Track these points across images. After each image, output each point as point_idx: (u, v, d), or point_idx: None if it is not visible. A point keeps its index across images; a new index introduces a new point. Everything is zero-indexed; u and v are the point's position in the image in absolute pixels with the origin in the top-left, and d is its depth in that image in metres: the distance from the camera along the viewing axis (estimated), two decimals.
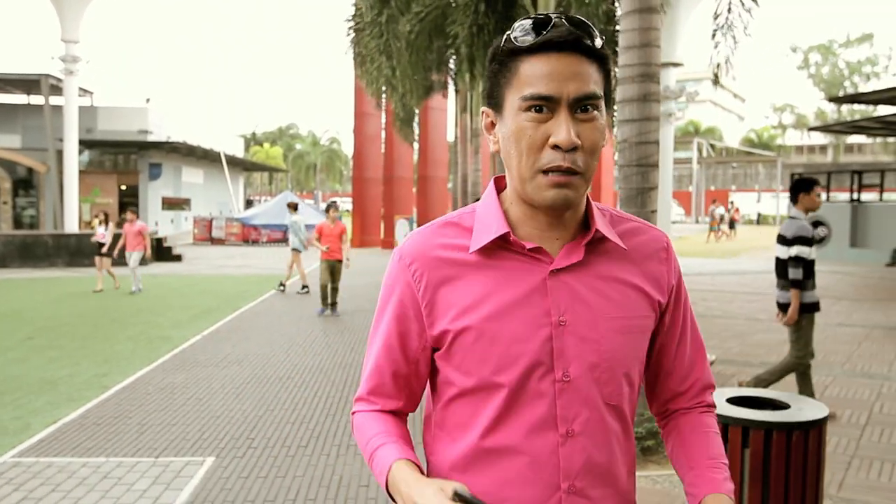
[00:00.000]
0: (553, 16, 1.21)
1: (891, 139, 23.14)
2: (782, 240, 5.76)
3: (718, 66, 9.20)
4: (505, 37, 1.25)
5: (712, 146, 58.43)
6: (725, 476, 1.34)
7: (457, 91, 19.87)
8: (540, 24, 1.20)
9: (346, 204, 51.59)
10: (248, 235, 31.39)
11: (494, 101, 1.28)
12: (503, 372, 1.25)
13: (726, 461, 1.37)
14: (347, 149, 74.01)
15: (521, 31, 1.22)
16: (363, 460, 5.08)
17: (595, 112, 1.22)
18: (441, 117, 27.92)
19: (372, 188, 29.97)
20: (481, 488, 1.27)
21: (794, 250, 5.64)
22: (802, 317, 5.70)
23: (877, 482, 4.62)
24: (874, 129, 22.71)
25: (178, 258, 22.59)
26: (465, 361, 1.28)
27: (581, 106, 1.20)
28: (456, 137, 22.67)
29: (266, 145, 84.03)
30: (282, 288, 14.61)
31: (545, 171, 1.21)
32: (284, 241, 30.88)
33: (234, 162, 45.44)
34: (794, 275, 5.64)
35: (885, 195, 23.89)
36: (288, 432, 5.71)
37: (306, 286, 14.45)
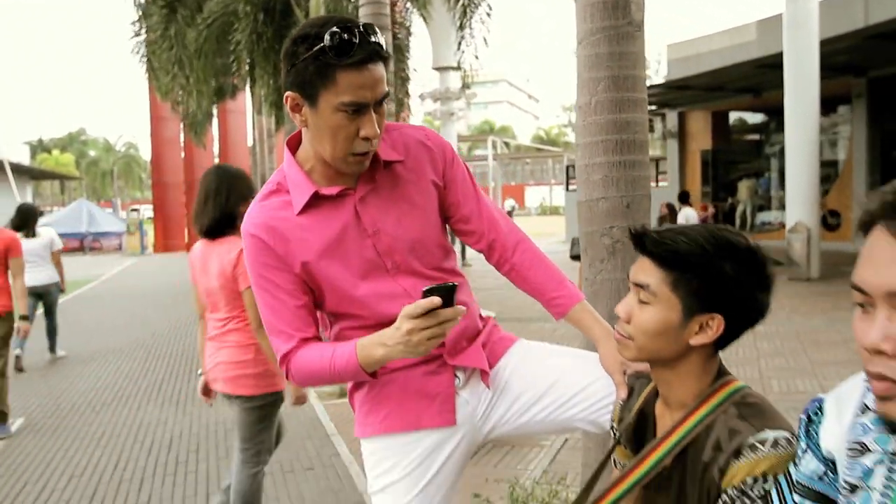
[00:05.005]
0: (355, 28, 1.50)
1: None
2: None
3: (465, 71, 10.79)
4: (318, 48, 1.50)
5: (507, 144, 62.38)
6: (575, 288, 1.84)
7: (252, 94, 20.35)
8: (347, 44, 1.48)
9: (147, 211, 49.80)
10: None
11: (308, 94, 1.55)
12: (359, 277, 1.68)
13: (566, 276, 1.87)
14: (147, 153, 71.21)
15: (333, 42, 1.48)
16: (79, 447, 5.36)
17: (384, 103, 1.60)
18: (240, 120, 28.24)
19: (173, 193, 29.74)
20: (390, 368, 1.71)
21: None
22: None
23: None
24: None
25: None
26: (326, 284, 1.68)
27: (378, 102, 1.57)
28: (255, 139, 23.14)
29: (56, 152, 78.80)
30: None
31: (355, 154, 1.59)
32: (80, 249, 30.00)
33: (19, 170, 42.62)
34: None
35: None
36: None
37: None
